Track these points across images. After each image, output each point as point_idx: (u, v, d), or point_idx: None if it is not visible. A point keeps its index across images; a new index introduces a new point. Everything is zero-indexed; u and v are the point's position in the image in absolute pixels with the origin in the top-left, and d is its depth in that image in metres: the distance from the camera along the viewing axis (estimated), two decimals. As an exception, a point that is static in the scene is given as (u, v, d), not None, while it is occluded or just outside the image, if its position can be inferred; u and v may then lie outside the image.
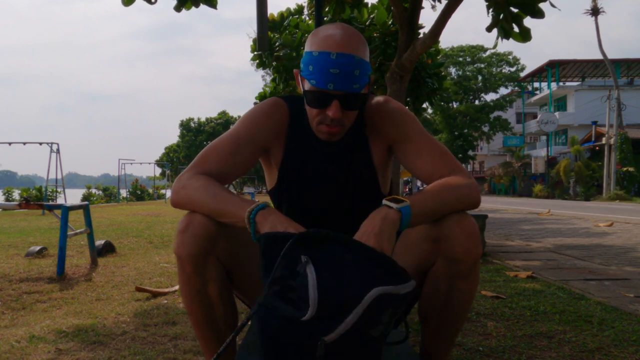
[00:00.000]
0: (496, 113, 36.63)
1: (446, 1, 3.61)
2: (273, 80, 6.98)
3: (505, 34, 3.49)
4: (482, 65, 37.73)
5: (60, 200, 18.68)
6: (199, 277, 1.24)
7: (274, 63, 6.41)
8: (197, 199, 1.22)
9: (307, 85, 1.26)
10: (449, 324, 1.34)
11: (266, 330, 1.03)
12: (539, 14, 3.32)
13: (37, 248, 4.57)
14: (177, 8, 3.97)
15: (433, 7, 4.56)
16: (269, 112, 1.38)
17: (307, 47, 1.27)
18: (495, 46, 3.64)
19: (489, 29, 3.56)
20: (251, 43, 6.65)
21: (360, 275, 1.00)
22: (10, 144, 16.40)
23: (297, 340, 1.00)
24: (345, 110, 1.25)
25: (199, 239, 1.19)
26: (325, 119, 1.26)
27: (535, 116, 38.08)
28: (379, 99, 1.42)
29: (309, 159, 1.39)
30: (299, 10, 6.78)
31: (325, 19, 4.92)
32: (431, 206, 1.22)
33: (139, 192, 28.31)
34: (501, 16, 3.46)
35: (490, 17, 3.54)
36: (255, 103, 8.63)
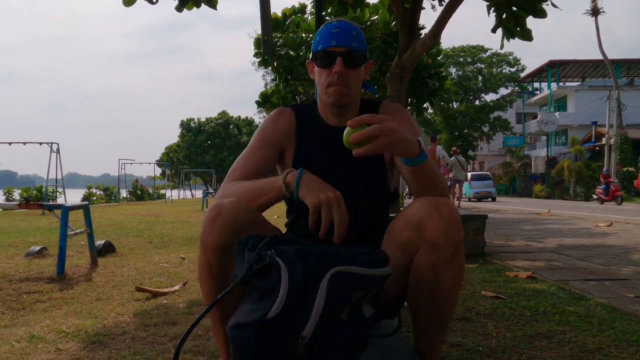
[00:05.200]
0: (496, 113, 36.63)
1: (446, 1, 3.62)
2: (274, 79, 7.00)
3: (510, 33, 3.49)
4: (483, 66, 37.76)
5: (60, 200, 18.69)
6: (221, 265, 1.28)
7: (275, 63, 6.41)
8: (237, 192, 1.39)
9: (315, 62, 1.47)
10: (437, 316, 1.35)
11: (244, 345, 1.02)
12: (540, 14, 3.33)
13: (37, 248, 4.57)
14: (179, 8, 3.97)
15: (433, 7, 4.57)
16: (275, 118, 1.57)
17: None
18: (502, 47, 3.65)
19: (493, 30, 3.57)
20: (254, 40, 6.65)
21: (326, 262, 1.02)
22: (10, 144, 16.42)
23: (277, 342, 1.00)
24: (347, 67, 1.43)
25: (228, 229, 1.25)
26: (333, 79, 1.43)
27: (535, 116, 38.05)
28: (392, 104, 1.59)
29: (318, 156, 1.51)
30: (302, 9, 6.78)
31: (327, 19, 4.92)
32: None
33: (139, 192, 28.32)
34: (504, 16, 3.46)
35: (494, 17, 3.55)
36: (257, 101, 8.61)
